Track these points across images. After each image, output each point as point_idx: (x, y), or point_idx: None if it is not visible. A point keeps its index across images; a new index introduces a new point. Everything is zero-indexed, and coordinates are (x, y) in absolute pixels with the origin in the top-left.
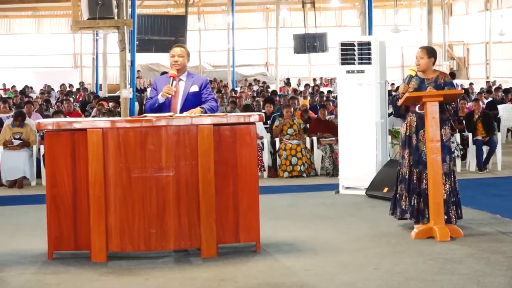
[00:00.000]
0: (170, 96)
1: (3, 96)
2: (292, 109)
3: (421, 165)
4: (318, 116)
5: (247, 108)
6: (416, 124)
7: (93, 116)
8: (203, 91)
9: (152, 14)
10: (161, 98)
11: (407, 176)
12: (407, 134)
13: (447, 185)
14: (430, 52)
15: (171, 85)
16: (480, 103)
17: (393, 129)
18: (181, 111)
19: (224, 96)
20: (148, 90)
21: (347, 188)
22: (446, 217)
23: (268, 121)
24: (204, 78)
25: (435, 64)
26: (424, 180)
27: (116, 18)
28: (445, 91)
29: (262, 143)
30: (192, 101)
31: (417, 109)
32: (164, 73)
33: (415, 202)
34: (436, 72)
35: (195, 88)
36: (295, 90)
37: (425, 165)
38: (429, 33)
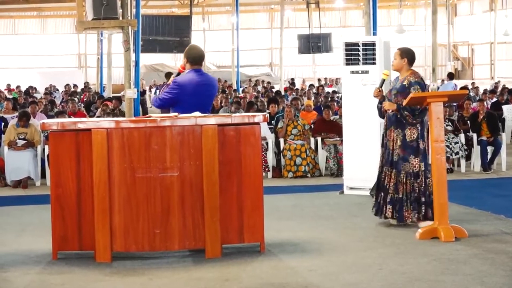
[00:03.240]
0: None
1: (8, 96)
2: (292, 109)
3: (388, 163)
4: (323, 117)
5: (251, 105)
6: (385, 124)
7: (98, 117)
8: None
9: (157, 14)
10: None
11: (379, 174)
12: (382, 133)
13: (408, 185)
14: (403, 53)
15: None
16: (485, 103)
17: None
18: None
19: (229, 97)
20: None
21: (352, 188)
22: (398, 215)
23: (273, 122)
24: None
25: (441, 64)
26: (387, 177)
27: (120, 18)
28: (450, 91)
29: (267, 143)
30: None
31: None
32: (168, 73)
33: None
34: (408, 72)
35: None
36: (297, 90)
37: (390, 163)
38: (434, 33)
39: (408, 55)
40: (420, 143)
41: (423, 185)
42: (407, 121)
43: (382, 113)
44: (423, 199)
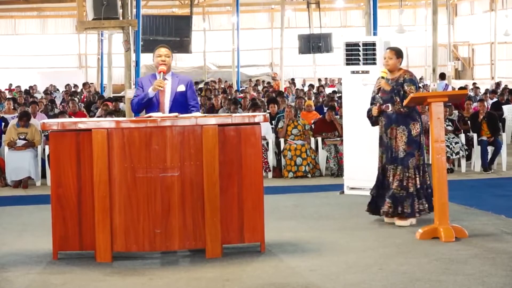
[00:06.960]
0: (159, 89)
1: (8, 96)
2: (292, 109)
3: (391, 161)
4: (324, 117)
5: (254, 105)
6: (385, 123)
7: (98, 117)
8: (188, 91)
9: (157, 14)
10: (151, 92)
11: (380, 175)
12: (379, 134)
13: (417, 179)
14: (398, 53)
15: (162, 79)
16: (485, 103)
17: None
18: (171, 110)
19: (229, 97)
20: None
21: (352, 188)
22: (409, 210)
23: (273, 121)
24: (189, 79)
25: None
26: (391, 176)
27: (121, 18)
28: (450, 91)
29: (267, 143)
30: (179, 100)
31: (383, 107)
32: None
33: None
34: (401, 71)
35: (182, 88)
36: (297, 90)
37: (394, 161)
38: (434, 33)
39: (402, 55)
40: (422, 138)
41: (423, 179)
42: (409, 114)
43: (374, 121)
44: (428, 191)
